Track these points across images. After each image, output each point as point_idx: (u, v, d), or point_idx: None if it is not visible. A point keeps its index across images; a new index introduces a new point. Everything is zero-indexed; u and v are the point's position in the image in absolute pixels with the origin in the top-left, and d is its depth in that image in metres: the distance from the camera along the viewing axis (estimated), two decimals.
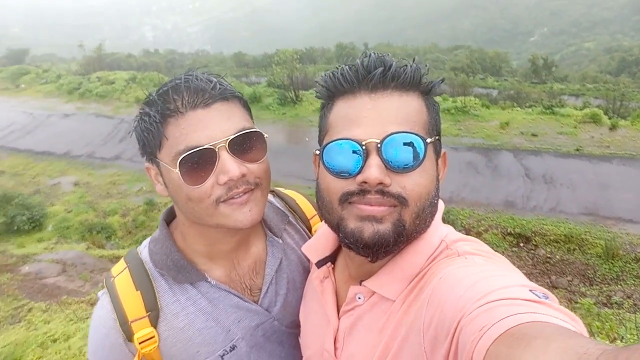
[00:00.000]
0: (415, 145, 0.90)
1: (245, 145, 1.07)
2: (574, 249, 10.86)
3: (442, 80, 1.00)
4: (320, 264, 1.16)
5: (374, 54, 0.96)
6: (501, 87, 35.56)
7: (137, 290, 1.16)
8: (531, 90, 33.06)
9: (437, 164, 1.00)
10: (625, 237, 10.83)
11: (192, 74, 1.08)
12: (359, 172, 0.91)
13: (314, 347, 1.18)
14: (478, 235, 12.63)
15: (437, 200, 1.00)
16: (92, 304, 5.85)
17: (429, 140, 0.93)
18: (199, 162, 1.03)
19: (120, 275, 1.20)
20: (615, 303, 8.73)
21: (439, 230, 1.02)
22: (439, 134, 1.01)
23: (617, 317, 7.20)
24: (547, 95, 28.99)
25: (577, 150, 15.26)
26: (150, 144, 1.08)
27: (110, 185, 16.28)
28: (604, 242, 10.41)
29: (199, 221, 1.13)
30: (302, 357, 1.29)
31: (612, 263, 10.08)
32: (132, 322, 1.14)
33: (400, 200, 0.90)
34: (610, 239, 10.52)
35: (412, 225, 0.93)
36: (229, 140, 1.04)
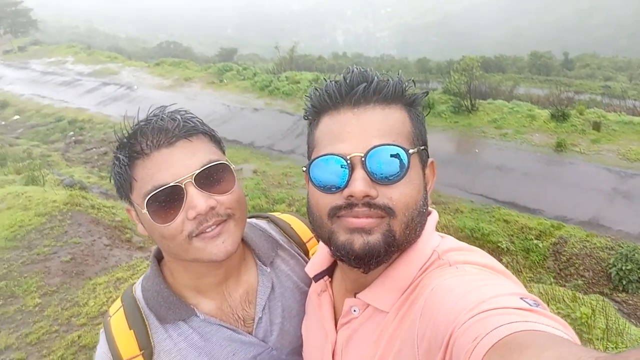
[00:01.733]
0: (398, 156, 0.93)
1: (212, 178, 1.09)
2: None
3: (426, 94, 1.05)
4: (317, 277, 1.20)
5: (357, 68, 0.99)
6: None
7: (130, 329, 1.20)
8: None
9: (424, 174, 1.02)
10: None
11: (157, 114, 1.13)
12: (346, 186, 0.93)
13: None
14: None
15: (426, 210, 1.03)
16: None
17: (411, 151, 0.95)
18: (167, 200, 1.06)
19: (116, 314, 1.25)
20: None
21: (430, 240, 1.03)
22: (424, 144, 1.04)
23: None
24: None
25: None
26: (123, 186, 1.13)
27: (282, 176, 17.62)
28: None
29: (177, 257, 1.16)
30: None
31: None
32: None
33: (388, 211, 0.93)
34: None
35: (402, 236, 0.95)
36: (194, 175, 1.06)
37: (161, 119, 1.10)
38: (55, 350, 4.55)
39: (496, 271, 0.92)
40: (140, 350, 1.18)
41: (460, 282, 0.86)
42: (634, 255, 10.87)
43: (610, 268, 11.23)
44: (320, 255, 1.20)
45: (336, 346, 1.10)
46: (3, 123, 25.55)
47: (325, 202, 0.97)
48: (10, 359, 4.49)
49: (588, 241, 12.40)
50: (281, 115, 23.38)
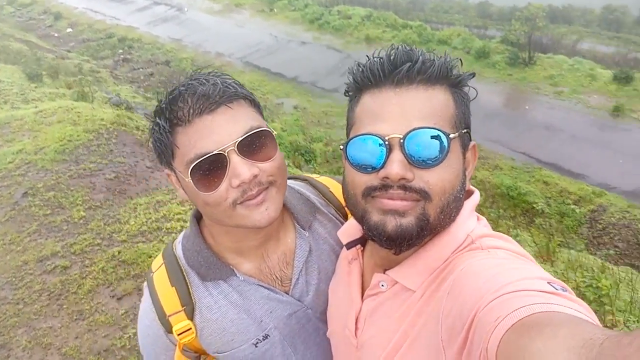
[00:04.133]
0: (438, 139, 0.90)
1: (255, 145, 1.08)
2: None
3: (473, 75, 0.99)
4: (349, 245, 1.19)
5: (402, 46, 0.95)
6: None
7: (172, 286, 1.24)
8: None
9: (464, 157, 1.00)
10: None
11: (197, 78, 1.10)
12: (382, 167, 0.92)
13: (337, 323, 1.23)
14: None
15: (463, 194, 1.00)
16: None
17: (452, 135, 0.92)
18: (210, 169, 1.05)
19: (158, 271, 1.29)
20: None
21: (465, 225, 1.01)
22: (467, 127, 1.01)
23: None
24: None
25: None
26: (164, 153, 1.12)
27: (322, 115, 17.55)
28: None
29: (220, 223, 1.17)
30: None
31: None
32: (169, 316, 1.23)
33: (423, 195, 0.91)
34: None
35: (436, 220, 0.94)
36: (237, 143, 1.04)
37: (201, 84, 1.07)
38: (97, 262, 4.83)
39: (527, 259, 0.92)
40: (182, 307, 1.23)
41: (490, 264, 0.86)
42: None
43: None
44: (354, 223, 1.18)
45: (360, 314, 1.12)
46: (57, 35, 26.12)
47: (361, 181, 0.96)
48: (56, 265, 4.79)
49: (628, 212, 12.00)
50: (328, 51, 22.89)
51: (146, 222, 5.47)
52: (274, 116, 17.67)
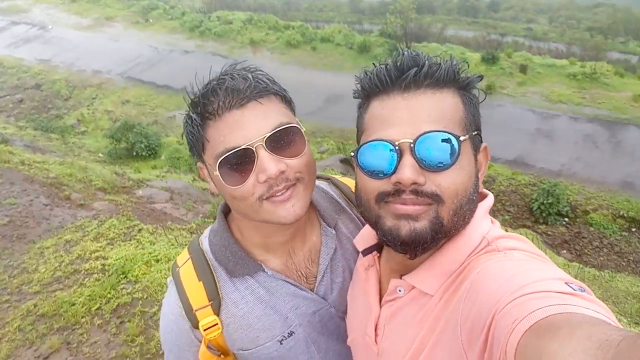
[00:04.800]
0: (449, 143, 0.90)
1: (283, 141, 1.07)
2: None
3: (481, 77, 1.00)
4: (365, 252, 1.20)
5: (408, 51, 0.96)
6: None
7: (199, 280, 1.23)
8: None
9: (475, 160, 0.99)
10: None
11: (229, 72, 1.09)
12: (393, 172, 0.91)
13: (357, 331, 1.22)
14: (585, 214, 11.73)
15: (477, 197, 1.00)
16: (192, 232, 6.34)
17: (462, 138, 0.92)
18: (238, 163, 1.05)
19: (185, 265, 1.27)
20: None
21: (480, 227, 1.00)
22: (478, 129, 1.01)
23: None
24: None
25: None
26: (195, 146, 1.11)
27: None
28: None
29: (247, 217, 1.16)
30: None
31: None
32: (196, 310, 1.21)
33: (436, 199, 0.91)
34: None
35: (449, 223, 0.93)
36: (265, 138, 1.04)
37: (232, 78, 1.07)
38: (10, 321, 4.28)
39: (545, 260, 0.92)
40: (209, 301, 1.21)
41: (506, 266, 0.86)
42: (554, 190, 11.83)
43: (532, 203, 12.19)
44: (368, 230, 1.18)
45: (379, 321, 1.12)
46: None
47: (373, 187, 0.96)
48: None
49: (514, 179, 13.31)
50: (214, 58, 22.36)
51: (59, 266, 4.98)
52: (168, 130, 16.97)
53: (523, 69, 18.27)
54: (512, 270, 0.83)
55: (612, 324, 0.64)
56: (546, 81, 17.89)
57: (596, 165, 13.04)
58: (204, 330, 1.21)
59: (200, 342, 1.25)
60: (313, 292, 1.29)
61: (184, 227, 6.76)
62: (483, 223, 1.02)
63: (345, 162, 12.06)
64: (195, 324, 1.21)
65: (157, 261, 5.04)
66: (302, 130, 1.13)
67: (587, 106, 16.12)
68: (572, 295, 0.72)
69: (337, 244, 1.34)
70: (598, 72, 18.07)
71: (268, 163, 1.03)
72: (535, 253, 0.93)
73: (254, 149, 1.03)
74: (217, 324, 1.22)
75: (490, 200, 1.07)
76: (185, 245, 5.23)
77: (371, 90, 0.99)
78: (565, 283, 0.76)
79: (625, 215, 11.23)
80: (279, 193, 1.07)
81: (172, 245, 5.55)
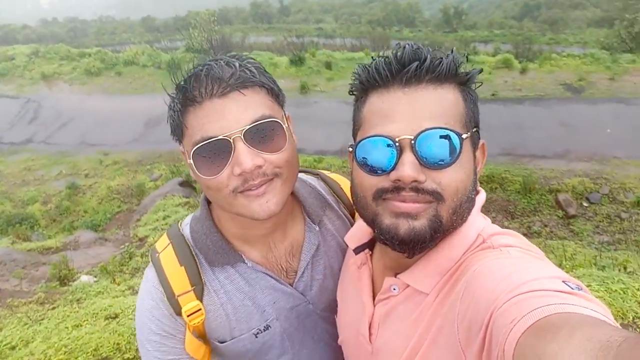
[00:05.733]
0: (450, 140, 0.88)
1: (263, 135, 1.05)
2: (496, 188, 11.64)
3: (480, 71, 0.98)
4: (358, 250, 1.18)
5: (409, 45, 0.93)
6: (416, 38, 36.41)
7: (181, 265, 1.19)
8: (444, 39, 34.19)
9: (474, 157, 0.98)
10: (539, 172, 11.76)
11: (217, 59, 1.06)
12: (393, 169, 0.90)
13: (349, 330, 1.21)
14: None
15: (475, 194, 0.99)
16: (42, 304, 5.54)
17: (464, 135, 0.91)
18: (214, 153, 1.02)
19: (165, 250, 1.23)
20: (535, 232, 9.58)
21: (475, 224, 0.99)
22: (477, 125, 0.99)
23: (540, 245, 7.97)
24: (460, 44, 30.14)
25: (493, 95, 16.12)
26: (176, 131, 1.10)
27: (25, 172, 15.11)
28: (522, 179, 11.26)
29: (222, 209, 1.15)
30: (333, 340, 1.35)
31: (529, 197, 10.93)
32: (178, 296, 1.17)
33: (436, 197, 0.89)
34: (527, 175, 11.38)
35: (448, 221, 0.92)
36: (244, 131, 1.01)
37: (218, 65, 1.04)
38: None
39: (541, 256, 0.91)
40: (192, 286, 1.18)
41: (503, 264, 0.85)
42: None
43: None
44: (361, 228, 1.17)
45: (373, 320, 1.10)
46: None
47: (371, 183, 0.94)
48: None
49: (345, 167, 14.32)
50: (1, 100, 19.63)
51: None
52: None
53: (328, 65, 19.74)
54: (509, 268, 0.82)
55: (611, 324, 0.64)
56: (349, 73, 19.50)
57: None
58: (188, 316, 1.17)
59: (183, 328, 1.20)
60: (292, 287, 1.28)
61: (29, 299, 5.88)
62: (478, 219, 1.01)
63: (186, 184, 11.57)
64: (177, 311, 1.17)
65: (13, 348, 4.21)
66: (285, 125, 1.11)
67: None
68: (570, 294, 0.72)
69: (320, 240, 1.32)
70: None
71: (244, 156, 1.01)
72: (530, 250, 0.93)
73: (231, 141, 1.01)
74: (200, 309, 1.19)
75: (483, 196, 1.05)
76: (44, 319, 4.61)
77: (370, 84, 0.96)
78: (563, 282, 0.75)
79: None
80: (254, 187, 1.05)
81: (26, 324, 4.79)
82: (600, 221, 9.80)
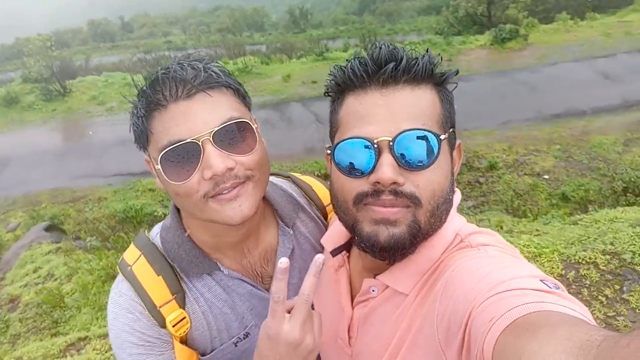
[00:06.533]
0: (429, 142, 0.88)
1: (233, 136, 1.01)
2: None
3: (457, 72, 0.97)
4: (335, 252, 1.15)
5: (385, 46, 0.92)
6: (268, 42, 37.01)
7: (158, 275, 1.14)
8: (295, 39, 35.25)
9: (451, 157, 0.98)
10: None
11: (181, 62, 1.03)
12: (372, 172, 0.89)
13: (327, 334, 1.16)
14: None
15: (452, 196, 0.99)
16: None
17: (442, 136, 0.91)
18: (183, 158, 0.99)
19: (138, 262, 1.16)
20: None
21: (453, 223, 0.99)
22: (453, 126, 0.98)
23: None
24: (310, 42, 31.29)
25: None
26: (140, 138, 1.04)
27: None
28: None
29: (193, 216, 1.10)
30: None
31: None
32: (160, 307, 1.12)
33: (414, 201, 0.89)
34: None
35: (427, 225, 0.92)
36: (213, 133, 0.98)
37: (181, 68, 1.00)
38: None
39: (516, 255, 0.92)
40: (173, 295, 1.14)
41: (481, 263, 0.85)
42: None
43: None
44: (337, 230, 1.14)
45: (352, 322, 1.09)
46: None
47: (351, 187, 0.92)
48: None
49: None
50: None
51: None
52: None
53: None
54: (487, 268, 0.82)
55: (590, 323, 0.65)
56: None
57: (281, 142, 14.85)
58: (173, 326, 1.13)
59: (170, 340, 1.15)
60: (269, 292, 1.24)
61: None
62: (455, 219, 1.01)
63: (53, 228, 10.45)
64: (161, 323, 1.11)
65: None
66: (254, 126, 1.08)
67: (253, 96, 17.87)
68: (548, 292, 0.72)
69: (294, 244, 1.30)
70: (249, 65, 20.50)
71: (215, 159, 0.97)
72: (507, 248, 0.94)
73: (200, 143, 0.97)
74: (185, 317, 1.15)
75: (458, 196, 1.05)
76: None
77: (346, 85, 0.95)
78: (541, 280, 0.76)
79: (319, 174, 13.34)
80: (226, 191, 1.01)
81: None
82: (463, 189, 10.82)
